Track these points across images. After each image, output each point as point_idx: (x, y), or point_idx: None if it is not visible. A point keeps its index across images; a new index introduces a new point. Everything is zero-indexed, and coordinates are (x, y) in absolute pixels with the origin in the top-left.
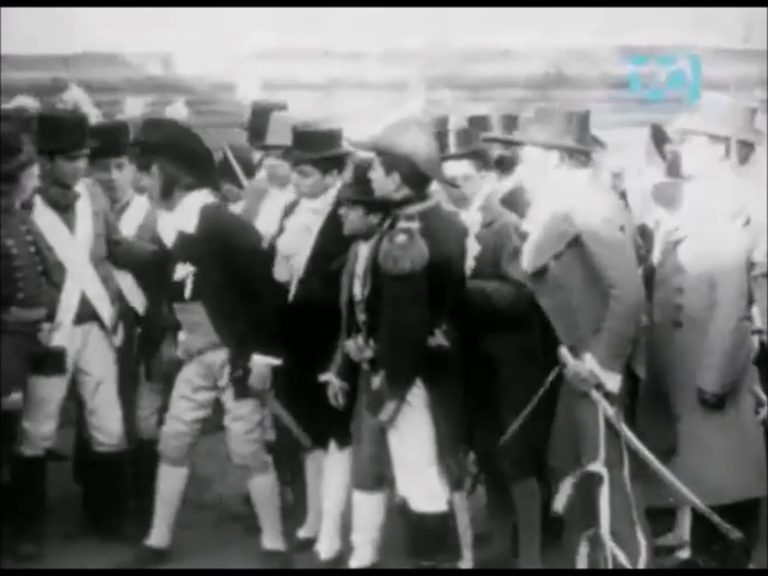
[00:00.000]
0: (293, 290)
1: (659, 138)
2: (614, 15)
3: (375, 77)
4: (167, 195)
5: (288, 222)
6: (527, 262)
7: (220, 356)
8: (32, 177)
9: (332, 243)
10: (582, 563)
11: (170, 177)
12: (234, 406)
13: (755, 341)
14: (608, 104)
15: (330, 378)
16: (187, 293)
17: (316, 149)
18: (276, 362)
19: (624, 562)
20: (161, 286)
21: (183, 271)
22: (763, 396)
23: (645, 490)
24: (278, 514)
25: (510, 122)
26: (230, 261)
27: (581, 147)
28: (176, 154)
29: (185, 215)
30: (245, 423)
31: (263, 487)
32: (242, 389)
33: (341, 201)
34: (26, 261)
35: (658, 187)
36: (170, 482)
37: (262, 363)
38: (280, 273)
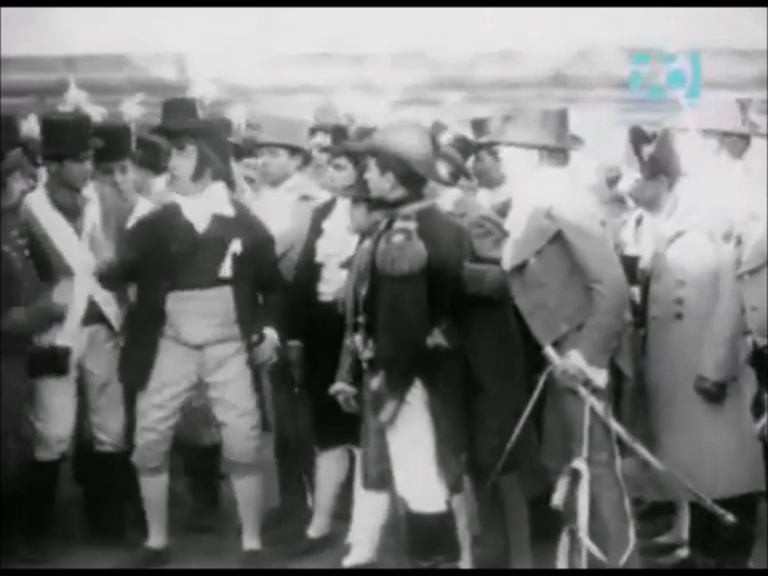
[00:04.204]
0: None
1: (638, 139)
2: (614, 15)
3: (379, 79)
4: (198, 178)
5: (327, 223)
6: (507, 258)
7: (224, 350)
8: (18, 180)
9: None
10: (561, 555)
11: (204, 159)
12: (241, 400)
13: (748, 341)
14: (609, 104)
15: (341, 387)
16: (225, 272)
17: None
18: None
19: (602, 559)
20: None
21: (232, 250)
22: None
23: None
24: (260, 513)
25: None
26: (260, 248)
27: (558, 145)
28: (213, 138)
29: (217, 200)
30: (251, 418)
31: (253, 485)
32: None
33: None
34: (22, 265)
35: (636, 188)
36: (152, 491)
37: (273, 336)
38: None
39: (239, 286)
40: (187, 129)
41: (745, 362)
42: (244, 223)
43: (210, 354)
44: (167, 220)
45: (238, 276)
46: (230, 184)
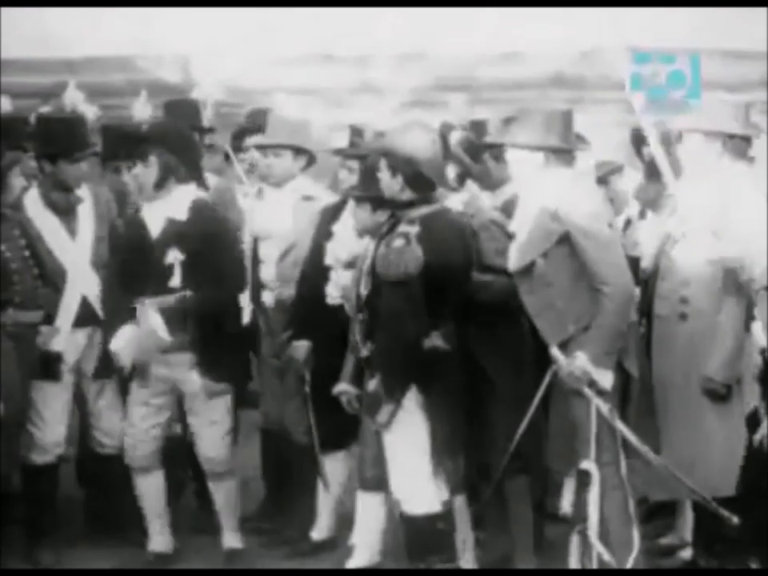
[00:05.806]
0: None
1: (638, 141)
2: (616, 16)
3: (382, 81)
4: (162, 186)
5: (336, 226)
6: (513, 260)
7: (185, 358)
8: (17, 177)
9: None
10: (573, 558)
11: (168, 166)
12: (206, 410)
13: (759, 359)
14: (613, 104)
15: (344, 387)
16: (174, 281)
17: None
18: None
19: (611, 561)
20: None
21: (171, 257)
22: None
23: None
24: (238, 512)
25: None
26: (210, 251)
27: (563, 146)
28: (177, 144)
29: (176, 204)
30: (219, 426)
31: (230, 491)
32: (212, 387)
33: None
34: (21, 265)
35: (639, 189)
36: (149, 488)
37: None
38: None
39: (192, 293)
40: (147, 139)
41: (754, 378)
42: (197, 227)
43: (176, 359)
44: (128, 226)
45: (189, 283)
46: (202, 184)
